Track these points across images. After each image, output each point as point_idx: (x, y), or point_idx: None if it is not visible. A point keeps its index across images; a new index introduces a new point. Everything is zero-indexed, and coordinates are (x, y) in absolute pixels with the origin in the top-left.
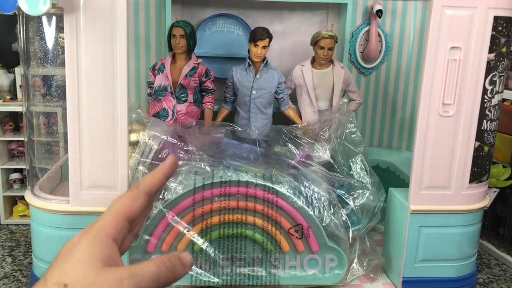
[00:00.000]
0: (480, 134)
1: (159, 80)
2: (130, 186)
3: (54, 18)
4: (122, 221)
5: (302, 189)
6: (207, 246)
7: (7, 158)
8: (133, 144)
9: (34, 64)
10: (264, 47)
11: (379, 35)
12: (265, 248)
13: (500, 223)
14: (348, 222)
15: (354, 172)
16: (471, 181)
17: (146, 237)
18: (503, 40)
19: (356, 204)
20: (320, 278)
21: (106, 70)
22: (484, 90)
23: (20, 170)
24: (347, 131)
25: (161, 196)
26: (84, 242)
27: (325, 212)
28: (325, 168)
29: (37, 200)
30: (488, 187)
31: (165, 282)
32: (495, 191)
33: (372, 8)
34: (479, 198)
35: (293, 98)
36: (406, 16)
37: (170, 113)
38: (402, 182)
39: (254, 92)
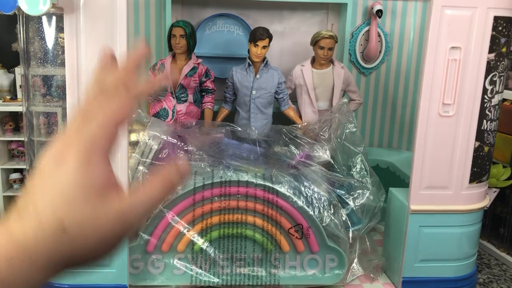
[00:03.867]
0: (480, 134)
1: None
2: (130, 186)
3: (54, 18)
4: (113, 128)
5: (302, 189)
6: (207, 246)
7: (7, 158)
8: (133, 144)
9: (34, 64)
10: (264, 47)
11: (379, 35)
12: (265, 248)
13: (500, 223)
14: (348, 222)
15: (354, 172)
16: (471, 181)
17: (146, 237)
18: (503, 40)
19: (356, 204)
20: (320, 278)
21: None
22: (484, 90)
23: (20, 170)
24: (347, 131)
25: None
26: (72, 161)
27: (325, 212)
28: (325, 168)
29: None
30: (488, 187)
31: (163, 199)
32: (495, 191)
33: (372, 8)
34: (479, 198)
35: (293, 98)
36: (406, 16)
37: (170, 113)
38: (402, 182)
39: (254, 92)
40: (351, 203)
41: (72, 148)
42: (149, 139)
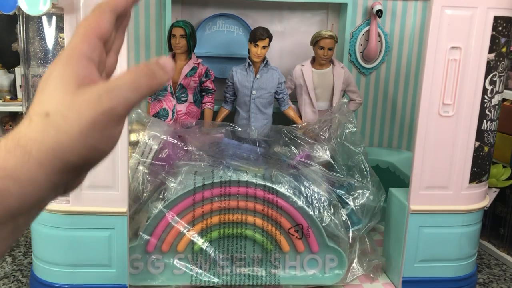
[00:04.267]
0: (480, 134)
1: None
2: (130, 186)
3: (54, 18)
4: (93, 38)
5: (302, 189)
6: (207, 246)
7: None
8: (133, 144)
9: (34, 64)
10: (264, 47)
11: (379, 35)
12: (265, 248)
13: (500, 223)
14: (348, 222)
15: (354, 172)
16: (471, 181)
17: (146, 237)
18: (503, 40)
19: (356, 204)
20: (320, 278)
21: None
22: (484, 90)
23: None
24: (347, 131)
25: (161, 196)
26: (58, 67)
27: (325, 212)
28: (325, 168)
29: None
30: (488, 187)
31: (147, 89)
32: (495, 191)
33: (372, 8)
34: (479, 198)
35: (293, 98)
36: (406, 16)
37: (170, 113)
38: (402, 182)
39: (254, 92)
40: (351, 203)
41: (58, 59)
42: (149, 139)
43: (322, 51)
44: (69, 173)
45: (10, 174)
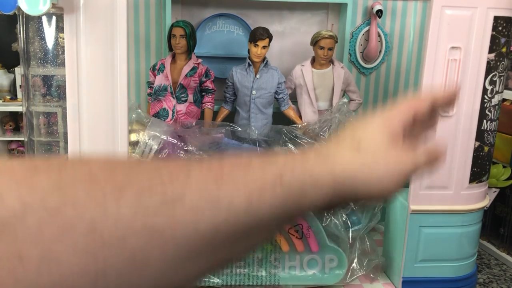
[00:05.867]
0: (480, 134)
1: (159, 80)
2: None
3: (54, 18)
4: (409, 113)
5: None
6: None
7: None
8: (133, 144)
9: (34, 64)
10: (264, 47)
11: (379, 35)
12: (265, 248)
13: (500, 223)
14: (348, 222)
15: None
16: (471, 181)
17: None
18: (503, 40)
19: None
20: (320, 278)
21: (106, 70)
22: (484, 90)
23: None
24: None
25: None
26: (376, 118)
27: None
28: None
29: None
30: (488, 187)
31: (412, 174)
32: (495, 191)
33: (372, 8)
34: (479, 198)
35: (293, 98)
36: (406, 16)
37: (170, 113)
38: None
39: (254, 92)
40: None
41: (377, 116)
42: (149, 139)
43: (322, 51)
44: (341, 200)
45: (312, 180)
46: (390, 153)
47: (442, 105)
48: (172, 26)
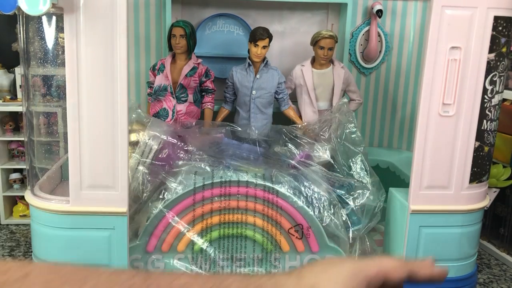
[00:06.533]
0: (480, 134)
1: (159, 80)
2: (130, 186)
3: (54, 18)
4: (381, 275)
5: (302, 189)
6: (207, 246)
7: (7, 158)
8: (133, 144)
9: (34, 64)
10: (264, 47)
11: (379, 35)
12: (265, 248)
13: (500, 223)
14: (348, 222)
15: (354, 172)
16: (471, 181)
17: (146, 237)
18: (503, 40)
19: (356, 204)
20: None
21: (106, 70)
22: (484, 90)
23: (20, 170)
24: (347, 131)
25: (161, 196)
26: (346, 267)
27: (325, 212)
28: (325, 168)
29: (37, 200)
30: (488, 187)
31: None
32: (495, 191)
33: (372, 8)
34: (479, 198)
35: (293, 98)
36: (406, 16)
37: (170, 113)
38: (402, 182)
39: (254, 92)
40: (351, 203)
41: (352, 262)
42: (149, 139)
43: (322, 51)
44: None
45: None
46: None
47: (422, 279)
48: (172, 26)
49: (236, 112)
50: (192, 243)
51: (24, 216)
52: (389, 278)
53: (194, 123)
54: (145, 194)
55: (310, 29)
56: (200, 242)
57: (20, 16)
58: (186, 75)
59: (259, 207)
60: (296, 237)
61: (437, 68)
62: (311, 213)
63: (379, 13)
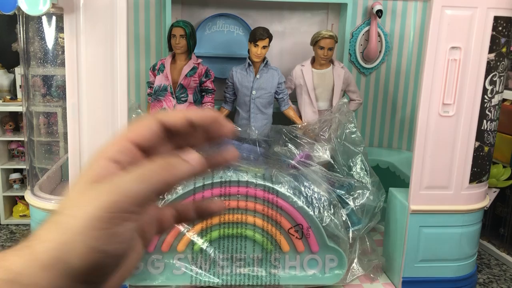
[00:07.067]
0: (480, 134)
1: (159, 80)
2: None
3: (54, 18)
4: (124, 142)
5: (302, 189)
6: (207, 246)
7: (7, 158)
8: None
9: (34, 64)
10: (264, 47)
11: (379, 35)
12: (265, 248)
13: (500, 223)
14: (348, 222)
15: (354, 172)
16: (471, 181)
17: None
18: (503, 40)
19: (356, 204)
20: (320, 278)
21: (106, 70)
22: (484, 90)
23: (20, 170)
24: (347, 131)
25: (161, 196)
26: (84, 170)
27: (325, 212)
28: (325, 168)
29: (37, 200)
30: (488, 187)
31: (163, 183)
32: (495, 191)
33: (372, 8)
34: (479, 198)
35: (293, 98)
36: (406, 16)
37: None
38: (402, 182)
39: (254, 92)
40: (351, 203)
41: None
42: None
43: (322, 51)
44: (76, 281)
45: (14, 278)
46: (85, 196)
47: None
48: (172, 26)
49: (236, 112)
50: (192, 243)
51: (24, 216)
52: (138, 135)
53: None
54: None
55: (310, 29)
56: (200, 242)
57: (20, 16)
58: (186, 75)
59: (259, 207)
60: (296, 237)
61: (437, 68)
62: (311, 213)
63: (379, 13)
